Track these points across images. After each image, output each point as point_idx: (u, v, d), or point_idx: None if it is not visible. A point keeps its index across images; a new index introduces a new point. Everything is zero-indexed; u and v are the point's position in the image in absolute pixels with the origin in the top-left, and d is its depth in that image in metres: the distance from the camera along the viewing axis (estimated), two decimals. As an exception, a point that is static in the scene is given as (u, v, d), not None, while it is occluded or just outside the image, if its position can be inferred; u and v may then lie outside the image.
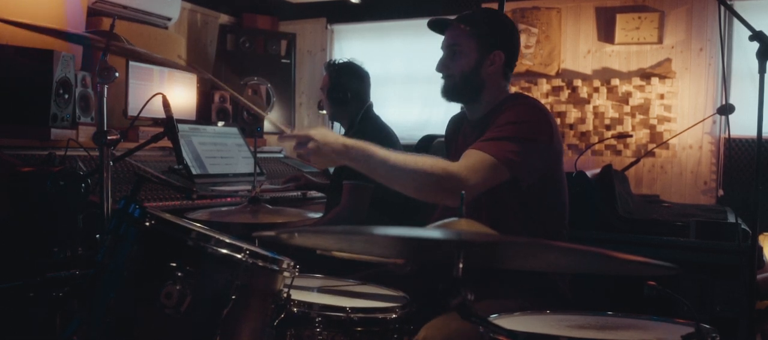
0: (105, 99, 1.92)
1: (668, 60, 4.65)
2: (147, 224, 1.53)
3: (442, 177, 1.88)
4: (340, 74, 3.05)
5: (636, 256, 1.25)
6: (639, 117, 4.70)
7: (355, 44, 5.69)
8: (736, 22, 2.74)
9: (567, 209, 2.19)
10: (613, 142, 4.75)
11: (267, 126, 4.74)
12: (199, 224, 1.63)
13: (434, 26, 2.24)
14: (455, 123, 2.40)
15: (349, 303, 1.79)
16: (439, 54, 2.21)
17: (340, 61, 3.12)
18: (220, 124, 4.08)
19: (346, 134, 2.99)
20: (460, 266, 1.31)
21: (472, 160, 1.94)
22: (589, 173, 2.81)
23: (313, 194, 3.51)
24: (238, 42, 5.18)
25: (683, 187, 4.62)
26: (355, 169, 1.90)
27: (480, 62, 2.13)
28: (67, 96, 2.97)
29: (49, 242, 2.37)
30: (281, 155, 4.36)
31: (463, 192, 1.51)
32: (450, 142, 2.40)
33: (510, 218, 2.06)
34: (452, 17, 2.21)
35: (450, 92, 2.20)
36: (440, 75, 2.21)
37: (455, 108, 2.39)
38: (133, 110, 3.52)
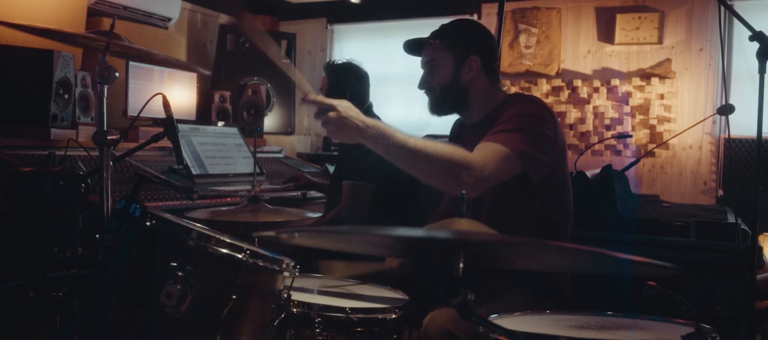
0: (105, 99, 1.92)
1: (668, 60, 4.64)
2: (148, 223, 1.53)
3: (460, 165, 1.87)
4: (339, 75, 3.05)
5: (636, 256, 1.26)
6: (639, 117, 4.70)
7: (355, 44, 5.69)
8: (736, 22, 2.73)
9: (571, 208, 2.19)
10: (613, 142, 4.75)
11: (269, 123, 4.73)
12: (199, 224, 1.63)
13: (410, 49, 2.28)
14: (459, 125, 2.40)
15: (348, 304, 1.79)
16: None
17: (339, 62, 3.12)
18: (220, 124, 4.08)
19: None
20: (461, 266, 1.31)
21: (487, 151, 1.93)
22: (589, 173, 2.81)
23: (313, 194, 3.50)
24: (238, 42, 5.17)
25: (683, 187, 4.62)
26: (372, 149, 1.88)
27: (457, 71, 2.17)
28: (67, 96, 2.97)
29: (49, 242, 2.37)
30: (281, 155, 4.35)
31: (464, 192, 1.51)
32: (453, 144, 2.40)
33: (514, 217, 2.06)
34: (425, 36, 2.25)
35: (435, 106, 2.25)
36: (423, 92, 2.24)
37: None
38: (133, 110, 3.52)
